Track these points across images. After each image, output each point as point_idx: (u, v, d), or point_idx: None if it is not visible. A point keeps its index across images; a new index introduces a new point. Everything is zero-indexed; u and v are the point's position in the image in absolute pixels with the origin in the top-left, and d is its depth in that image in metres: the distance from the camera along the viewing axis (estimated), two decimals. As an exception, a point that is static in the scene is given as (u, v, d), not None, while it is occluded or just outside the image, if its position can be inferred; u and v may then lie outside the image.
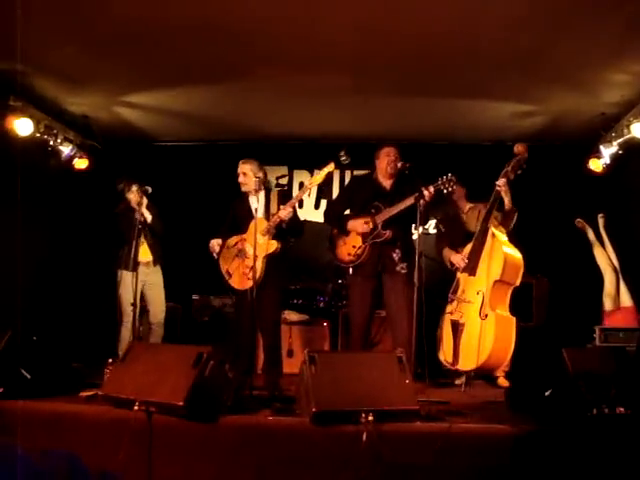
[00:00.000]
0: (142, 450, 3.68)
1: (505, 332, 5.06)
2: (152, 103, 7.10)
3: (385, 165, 5.52)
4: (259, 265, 5.17)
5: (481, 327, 5.06)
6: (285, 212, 5.24)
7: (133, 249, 5.73)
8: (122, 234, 6.12)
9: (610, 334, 5.85)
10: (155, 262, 6.38)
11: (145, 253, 6.29)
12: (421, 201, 4.97)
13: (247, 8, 4.88)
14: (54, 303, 7.35)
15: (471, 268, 5.30)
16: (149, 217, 6.23)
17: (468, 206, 5.91)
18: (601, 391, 3.75)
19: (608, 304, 6.40)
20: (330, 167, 5.31)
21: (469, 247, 5.40)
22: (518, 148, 5.41)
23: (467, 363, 5.10)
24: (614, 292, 6.42)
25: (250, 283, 5.18)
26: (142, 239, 6.23)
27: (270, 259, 5.26)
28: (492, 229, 5.32)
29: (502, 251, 5.17)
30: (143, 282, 6.25)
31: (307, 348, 4.17)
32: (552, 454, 3.59)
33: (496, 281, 5.13)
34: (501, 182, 5.33)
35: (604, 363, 4.02)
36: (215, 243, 5.50)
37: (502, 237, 5.32)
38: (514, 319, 5.14)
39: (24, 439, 3.75)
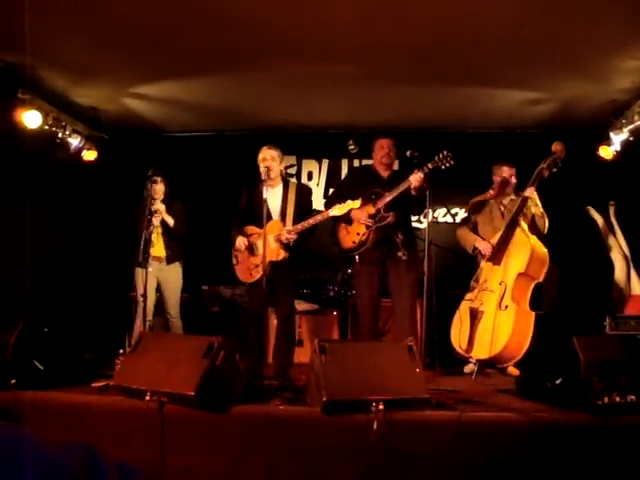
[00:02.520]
0: (154, 440, 3.71)
1: (523, 326, 5.06)
2: (160, 94, 7.10)
3: (380, 157, 5.62)
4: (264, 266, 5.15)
5: (500, 318, 5.07)
6: (289, 236, 5.14)
7: (142, 243, 5.76)
8: (136, 232, 6.08)
9: (621, 322, 5.82)
10: (170, 260, 6.34)
11: (160, 250, 6.28)
12: (419, 175, 5.06)
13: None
14: (65, 294, 7.38)
15: (497, 258, 5.32)
16: (171, 222, 6.24)
17: (509, 198, 5.86)
18: (612, 379, 3.74)
19: (619, 292, 6.39)
20: (355, 204, 5.16)
21: (497, 237, 5.42)
22: (556, 147, 5.44)
23: (481, 352, 5.12)
24: (624, 280, 6.40)
25: (253, 278, 5.25)
26: (159, 235, 6.27)
27: (289, 249, 5.21)
28: (522, 222, 5.32)
29: (530, 244, 5.19)
30: (157, 277, 6.29)
31: (317, 337, 4.18)
32: (562, 442, 3.59)
33: (520, 274, 5.15)
34: (529, 191, 5.37)
35: (615, 351, 4.01)
36: (242, 242, 5.33)
37: (531, 235, 5.33)
38: (533, 314, 5.13)
39: (37, 430, 3.78)
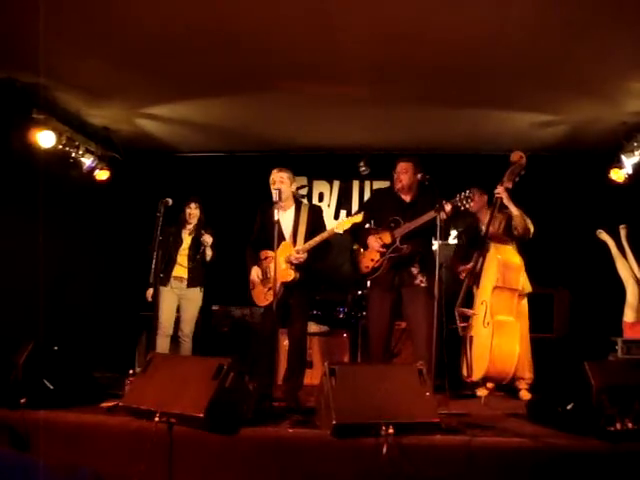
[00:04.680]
0: (163, 461, 3.69)
1: (507, 337, 5.02)
2: (172, 115, 7.15)
3: (394, 181, 5.56)
4: (277, 288, 5.14)
5: (485, 335, 5.06)
6: (298, 256, 5.18)
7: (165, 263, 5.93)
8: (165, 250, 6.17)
9: (633, 346, 5.78)
10: (191, 283, 6.41)
11: (183, 271, 6.39)
12: (441, 215, 4.97)
13: (268, 21, 4.91)
14: (76, 313, 7.40)
15: (477, 280, 5.34)
16: (209, 254, 6.39)
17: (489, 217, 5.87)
18: (624, 405, 3.71)
19: (630, 316, 6.33)
20: (358, 218, 5.22)
21: (473, 259, 5.46)
22: (514, 157, 5.44)
23: (478, 372, 5.11)
24: (636, 304, 6.35)
25: (267, 302, 5.27)
26: (185, 257, 6.41)
27: (300, 270, 5.24)
28: (491, 243, 5.33)
29: (495, 258, 5.19)
30: (179, 295, 6.38)
31: (327, 359, 4.18)
32: (573, 468, 3.55)
33: (495, 287, 5.12)
34: (499, 189, 5.38)
35: (627, 376, 3.97)
36: (256, 275, 5.40)
37: (500, 247, 5.31)
38: (518, 324, 5.10)
39: (46, 450, 3.79)
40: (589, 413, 3.74)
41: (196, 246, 6.42)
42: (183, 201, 6.46)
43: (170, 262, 6.26)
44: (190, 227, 6.50)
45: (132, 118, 7.25)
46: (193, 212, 6.48)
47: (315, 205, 6.79)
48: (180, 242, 6.42)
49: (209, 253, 6.38)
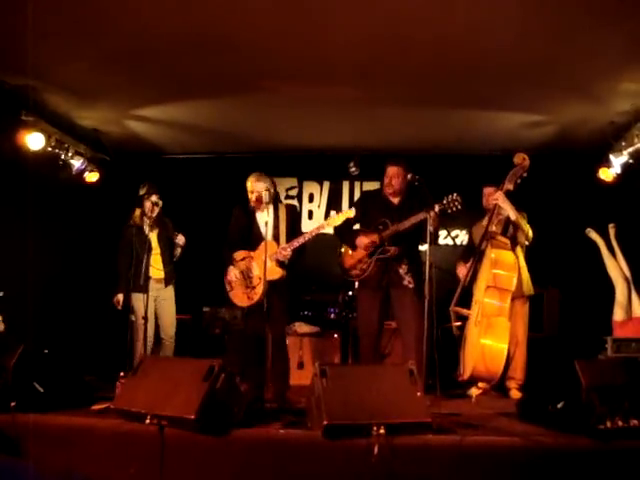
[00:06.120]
0: (154, 464, 3.68)
1: (496, 337, 5.00)
2: (161, 116, 7.14)
3: (384, 185, 5.59)
4: (261, 288, 5.16)
5: (475, 334, 5.08)
6: (285, 253, 5.20)
7: (144, 265, 5.81)
8: (129, 251, 6.08)
9: (622, 345, 5.80)
10: (167, 281, 6.31)
11: (159, 272, 6.23)
12: (431, 215, 4.98)
13: (256, 22, 4.90)
14: (65, 316, 7.36)
15: (473, 281, 5.36)
16: (178, 252, 6.33)
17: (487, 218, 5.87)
18: (614, 403, 3.72)
19: (619, 315, 6.35)
20: (350, 213, 5.29)
21: (471, 260, 5.47)
22: (517, 159, 5.46)
23: (467, 372, 5.12)
24: (626, 302, 6.38)
25: (251, 301, 5.28)
26: (157, 256, 6.24)
27: (284, 268, 5.26)
28: (489, 244, 5.33)
29: (489, 257, 5.18)
30: (155, 297, 6.23)
31: (318, 360, 4.18)
32: (564, 467, 3.56)
33: (488, 287, 5.12)
34: (496, 193, 5.39)
35: (617, 375, 3.98)
36: (233, 274, 5.40)
37: (495, 247, 5.31)
38: (509, 325, 5.09)
39: (37, 453, 3.77)
40: (579, 412, 3.76)
41: (167, 244, 6.29)
42: (172, 203, 6.41)
43: (144, 265, 5.90)
44: (150, 222, 6.16)
45: (121, 120, 7.23)
46: (157, 204, 6.18)
47: (291, 205, 6.80)
48: (148, 241, 5.96)
49: (179, 252, 6.33)
